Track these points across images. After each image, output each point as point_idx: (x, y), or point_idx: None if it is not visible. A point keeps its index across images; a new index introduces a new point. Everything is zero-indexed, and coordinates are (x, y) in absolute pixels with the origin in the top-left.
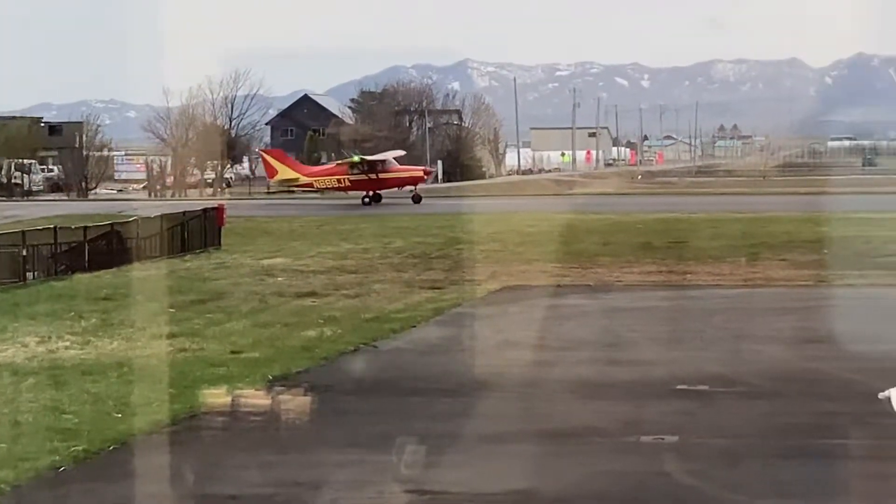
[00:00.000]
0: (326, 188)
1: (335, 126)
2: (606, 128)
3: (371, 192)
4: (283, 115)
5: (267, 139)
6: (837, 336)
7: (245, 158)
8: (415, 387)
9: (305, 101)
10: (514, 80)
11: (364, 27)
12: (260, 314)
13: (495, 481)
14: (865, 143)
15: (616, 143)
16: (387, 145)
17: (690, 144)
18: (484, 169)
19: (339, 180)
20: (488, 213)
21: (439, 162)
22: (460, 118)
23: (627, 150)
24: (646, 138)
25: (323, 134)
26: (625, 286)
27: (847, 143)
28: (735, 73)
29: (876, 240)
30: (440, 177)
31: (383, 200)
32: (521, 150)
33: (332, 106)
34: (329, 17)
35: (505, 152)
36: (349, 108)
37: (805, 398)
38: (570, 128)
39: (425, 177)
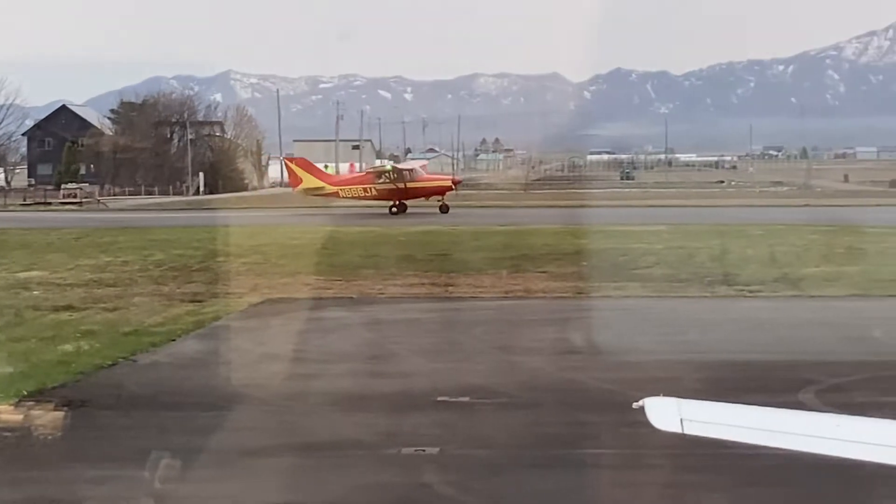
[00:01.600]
0: (352, 197)
1: (94, 137)
2: (370, 140)
3: (398, 202)
4: (40, 125)
5: (23, 150)
6: (595, 346)
7: (0, 169)
8: (174, 401)
9: (63, 112)
10: (277, 91)
11: (124, 37)
12: (15, 328)
13: (255, 496)
14: (624, 156)
15: (380, 155)
16: (147, 156)
17: (453, 157)
18: (246, 181)
19: (365, 189)
20: (251, 226)
21: (200, 174)
22: (222, 130)
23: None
24: (409, 151)
25: (81, 145)
26: (388, 298)
27: (606, 156)
28: (497, 86)
29: (633, 252)
30: (201, 188)
31: (408, 210)
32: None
33: (91, 116)
34: (88, 26)
35: (268, 164)
36: (109, 118)
37: (564, 408)
38: (334, 140)
39: (453, 186)
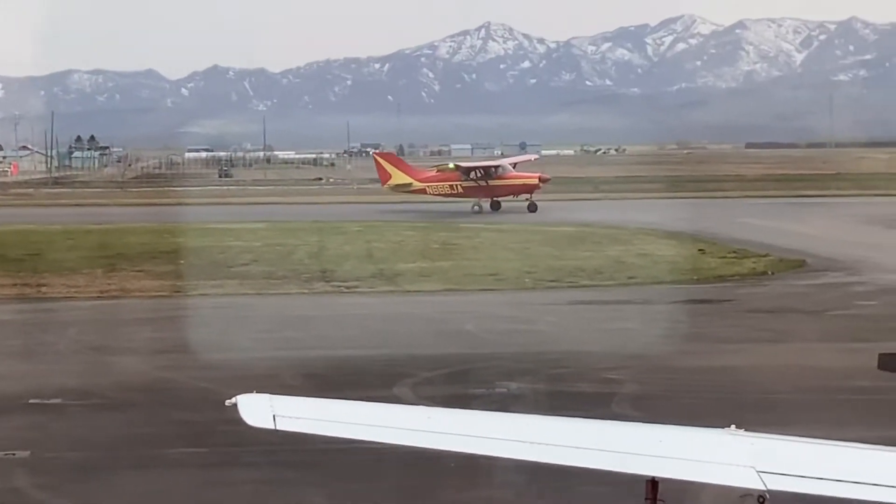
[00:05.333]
0: (439, 194)
1: None
2: None
3: (480, 200)
4: None
5: None
6: (192, 345)
7: None
8: None
9: None
10: None
11: None
12: None
13: None
14: (222, 154)
15: None
16: None
17: (47, 155)
18: None
19: (451, 186)
20: None
21: None
22: None
23: None
24: (0, 148)
25: None
26: None
27: (204, 154)
28: (92, 83)
29: (231, 250)
30: None
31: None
32: None
33: None
34: None
35: None
36: None
37: (160, 408)
38: None
39: (540, 184)
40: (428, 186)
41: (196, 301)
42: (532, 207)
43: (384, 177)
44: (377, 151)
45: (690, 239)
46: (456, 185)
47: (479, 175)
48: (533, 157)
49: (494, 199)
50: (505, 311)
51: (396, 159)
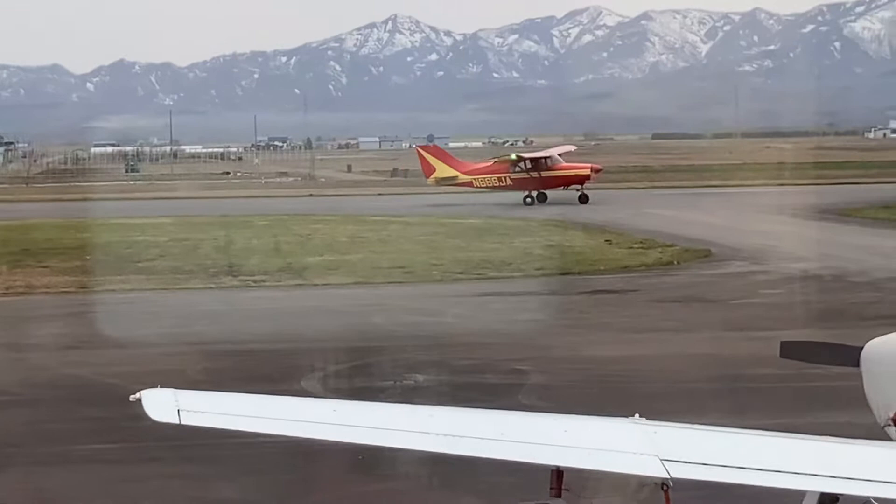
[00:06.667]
0: (487, 187)
1: None
2: None
3: (531, 192)
4: None
5: None
6: (99, 341)
7: None
8: None
9: None
10: None
11: None
12: None
13: None
14: (129, 148)
15: None
16: None
17: None
18: None
19: (499, 179)
20: None
21: None
22: None
23: None
24: None
25: None
26: None
27: (111, 149)
28: None
29: (137, 245)
30: None
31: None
32: None
33: None
34: None
35: None
36: None
37: (65, 404)
38: None
39: (593, 175)
40: (475, 179)
41: (102, 297)
42: (583, 198)
43: (428, 170)
44: (420, 144)
45: (598, 230)
46: (504, 178)
47: (528, 166)
48: (572, 147)
49: (541, 190)
50: (413, 303)
51: (440, 152)
